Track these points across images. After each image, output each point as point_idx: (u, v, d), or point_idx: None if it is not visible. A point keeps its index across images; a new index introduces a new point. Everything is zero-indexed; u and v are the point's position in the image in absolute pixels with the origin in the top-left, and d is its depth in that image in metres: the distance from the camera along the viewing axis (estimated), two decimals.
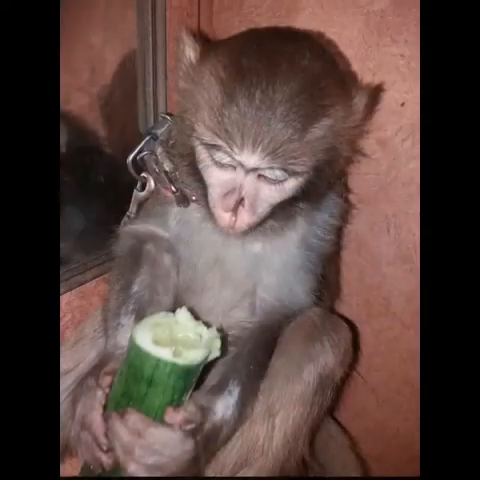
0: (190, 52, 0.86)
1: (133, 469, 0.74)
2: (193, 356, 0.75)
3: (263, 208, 0.82)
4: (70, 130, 1.03)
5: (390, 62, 1.08)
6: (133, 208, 1.02)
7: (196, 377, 0.78)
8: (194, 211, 0.96)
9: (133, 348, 0.75)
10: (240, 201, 0.79)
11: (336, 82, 0.81)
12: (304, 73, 0.76)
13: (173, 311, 0.81)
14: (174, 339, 0.77)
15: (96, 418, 0.79)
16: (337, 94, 0.80)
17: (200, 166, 0.84)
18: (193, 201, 0.94)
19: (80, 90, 1.05)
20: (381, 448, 1.26)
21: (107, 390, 0.81)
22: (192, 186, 0.91)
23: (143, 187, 1.00)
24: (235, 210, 0.79)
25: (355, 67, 1.08)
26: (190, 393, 0.79)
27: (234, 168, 0.79)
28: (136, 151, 0.97)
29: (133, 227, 1.01)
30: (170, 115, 1.01)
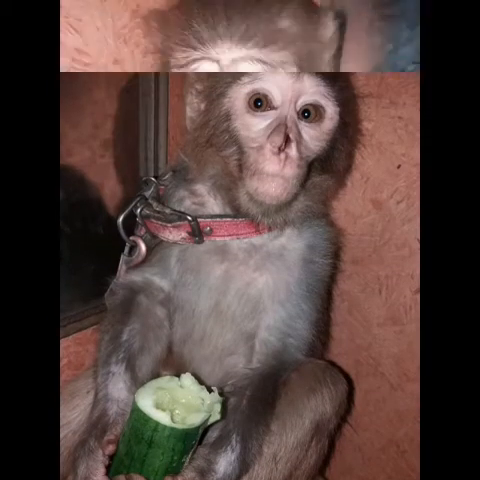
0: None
1: None
2: (192, 420, 0.77)
3: (307, 153, 0.84)
4: (70, 182, 1.06)
5: (388, 124, 1.08)
6: (120, 273, 1.02)
7: (196, 439, 0.80)
8: (197, 246, 0.96)
9: (135, 410, 0.77)
10: (286, 140, 0.79)
11: None
12: None
13: (177, 376, 0.83)
14: (176, 403, 0.79)
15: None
16: None
17: (236, 124, 0.84)
18: (207, 234, 0.94)
19: (82, 144, 1.08)
20: None
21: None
22: (227, 152, 0.87)
23: (130, 252, 1.01)
24: (284, 148, 0.79)
25: None
26: (191, 454, 0.80)
27: (276, 110, 0.82)
28: (127, 211, 0.97)
29: (128, 278, 1.01)
30: (156, 178, 1.03)
